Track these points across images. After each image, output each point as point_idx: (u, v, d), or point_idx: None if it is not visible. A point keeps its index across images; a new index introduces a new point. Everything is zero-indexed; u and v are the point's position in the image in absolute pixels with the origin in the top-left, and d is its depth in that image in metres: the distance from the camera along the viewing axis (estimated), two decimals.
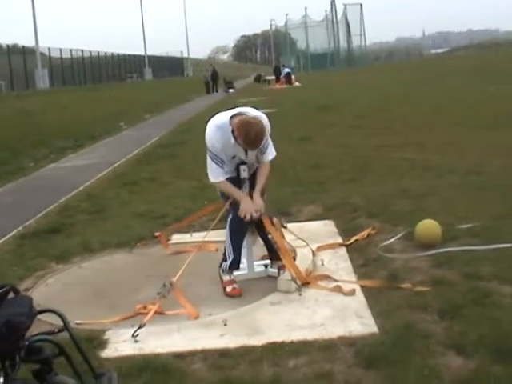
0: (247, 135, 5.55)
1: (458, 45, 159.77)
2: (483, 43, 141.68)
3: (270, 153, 6.05)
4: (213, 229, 6.53)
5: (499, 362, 4.09)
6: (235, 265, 6.08)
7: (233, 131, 5.68)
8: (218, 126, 5.78)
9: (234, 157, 5.89)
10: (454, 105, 21.69)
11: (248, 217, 5.84)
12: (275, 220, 6.22)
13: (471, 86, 30.33)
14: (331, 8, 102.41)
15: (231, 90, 54.17)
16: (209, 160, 5.89)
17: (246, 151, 5.85)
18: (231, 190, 5.92)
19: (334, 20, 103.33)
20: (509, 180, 9.17)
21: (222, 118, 5.83)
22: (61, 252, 7.60)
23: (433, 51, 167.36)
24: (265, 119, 5.84)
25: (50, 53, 55.66)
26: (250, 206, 5.84)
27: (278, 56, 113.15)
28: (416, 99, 25.35)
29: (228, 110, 5.94)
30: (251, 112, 5.86)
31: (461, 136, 14.24)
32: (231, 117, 5.75)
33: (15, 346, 3.31)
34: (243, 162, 5.96)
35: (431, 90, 29.68)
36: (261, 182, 6.00)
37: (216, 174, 5.88)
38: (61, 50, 57.37)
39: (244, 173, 5.98)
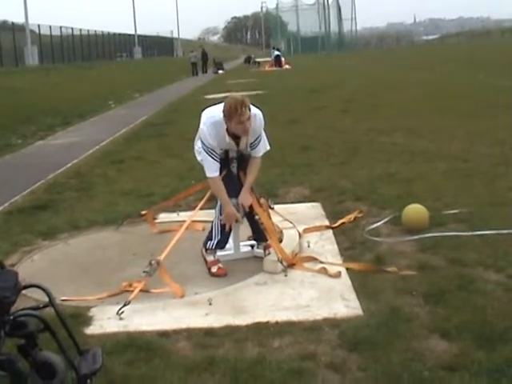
0: (228, 111, 5.56)
1: (448, 32, 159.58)
2: (474, 31, 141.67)
3: (263, 147, 6.05)
4: (200, 208, 6.53)
5: (482, 347, 4.12)
6: (221, 244, 6.10)
7: (227, 128, 5.70)
8: (213, 123, 5.75)
9: (226, 151, 5.93)
10: (443, 91, 21.71)
11: (228, 227, 5.95)
12: (262, 201, 6.22)
13: (461, 73, 30.38)
14: None
15: (220, 71, 54.05)
16: (204, 153, 5.83)
17: (237, 144, 5.85)
18: (220, 191, 5.90)
19: (326, 3, 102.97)
20: (495, 168, 9.23)
21: (216, 114, 5.79)
22: (47, 228, 7.59)
23: (424, 38, 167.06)
24: (259, 114, 5.83)
25: (39, 30, 55.11)
26: (233, 216, 5.90)
27: (269, 38, 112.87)
28: (405, 85, 25.35)
29: (221, 103, 5.95)
30: None
31: (449, 122, 14.26)
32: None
33: (0, 321, 3.31)
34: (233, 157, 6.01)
35: (420, 77, 29.69)
36: (250, 179, 6.01)
37: (212, 168, 5.84)
38: (50, 27, 56.80)
39: (233, 169, 6.04)
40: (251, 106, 5.78)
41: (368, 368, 3.98)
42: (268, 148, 6.14)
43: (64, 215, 8.21)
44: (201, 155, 6.00)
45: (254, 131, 5.83)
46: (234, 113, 5.57)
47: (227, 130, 5.71)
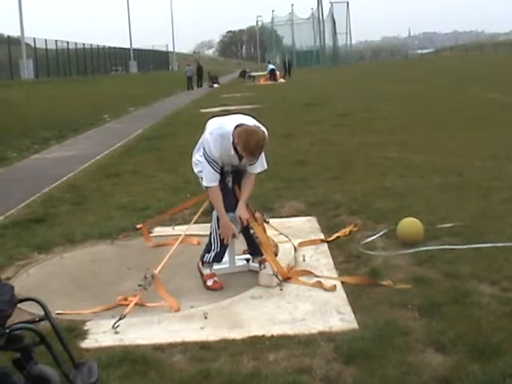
0: (247, 142, 5.56)
1: (443, 46, 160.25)
2: (468, 45, 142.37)
3: (260, 165, 6.05)
4: (195, 222, 6.54)
5: (477, 360, 4.12)
6: (219, 258, 6.09)
7: (233, 142, 5.70)
8: (220, 135, 5.74)
9: (227, 164, 5.94)
10: (437, 105, 21.80)
11: (225, 241, 5.96)
12: (258, 215, 6.23)
13: (455, 86, 30.48)
14: (318, 6, 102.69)
15: (216, 85, 54.17)
16: (205, 163, 5.82)
17: (240, 159, 5.86)
18: (218, 202, 5.89)
19: (321, 18, 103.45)
20: (489, 182, 9.24)
21: (225, 126, 5.80)
22: (43, 242, 7.59)
23: (418, 51, 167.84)
24: (266, 134, 5.81)
25: (35, 43, 55.16)
26: (229, 230, 5.92)
27: (264, 52, 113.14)
28: (399, 99, 25.45)
29: (227, 115, 5.97)
30: (251, 122, 5.86)
31: (443, 136, 14.33)
32: (235, 127, 5.73)
33: None
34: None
35: (415, 90, 29.80)
36: (246, 194, 6.02)
37: (211, 178, 5.84)
38: (46, 40, 56.87)
39: (229, 183, 6.06)
40: (255, 121, 5.83)
41: (363, 381, 3.99)
42: (265, 167, 6.13)
43: (59, 229, 8.21)
44: (198, 166, 6.02)
45: None
46: (253, 148, 5.60)
47: (233, 143, 5.71)
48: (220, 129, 5.81)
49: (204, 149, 5.83)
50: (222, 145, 5.73)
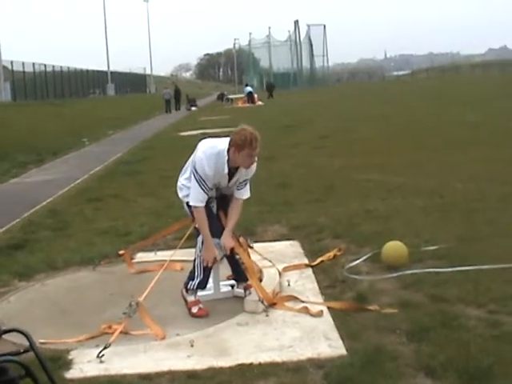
0: (243, 137, 5.65)
1: (419, 67, 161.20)
2: (444, 66, 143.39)
3: (246, 192, 6.07)
4: (179, 247, 6.48)
5: None
6: (203, 284, 6.04)
7: (228, 159, 5.71)
8: (213, 154, 5.75)
9: (215, 185, 5.92)
10: (414, 126, 21.88)
11: (209, 264, 5.92)
12: (242, 240, 6.19)
13: (431, 108, 30.66)
14: (295, 28, 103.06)
15: (194, 108, 54.18)
16: (194, 182, 5.79)
17: (229, 179, 5.86)
18: (203, 223, 5.86)
19: (298, 40, 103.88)
20: (471, 203, 9.26)
21: (219, 145, 5.82)
22: (24, 269, 7.50)
23: (394, 73, 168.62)
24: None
25: (12, 66, 54.94)
26: (212, 253, 5.88)
27: (241, 75, 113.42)
28: (377, 120, 25.52)
29: (219, 137, 5.98)
30: None
31: (422, 157, 14.36)
32: (229, 147, 5.75)
33: None
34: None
35: (392, 112, 29.93)
36: (232, 221, 6.01)
37: (198, 198, 5.81)
38: (23, 63, 56.71)
39: (213, 208, 6.05)
40: None
41: None
42: (249, 195, 6.14)
43: (40, 255, 8.12)
44: (183, 191, 6.00)
45: (251, 170, 5.94)
46: (249, 145, 5.66)
47: (228, 161, 5.71)
48: (213, 148, 5.82)
49: (195, 168, 5.79)
50: (217, 163, 5.73)
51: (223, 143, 5.80)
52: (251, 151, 5.70)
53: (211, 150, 5.80)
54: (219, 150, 5.76)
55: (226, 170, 5.75)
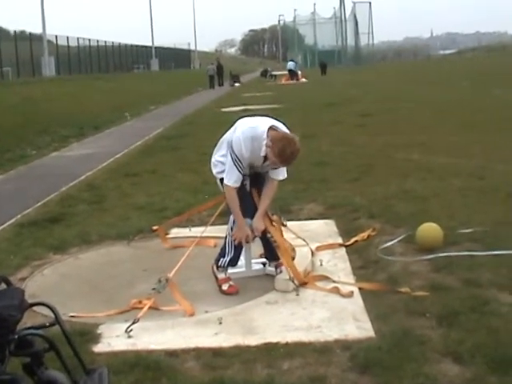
0: (283, 150, 5.48)
1: (465, 47, 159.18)
2: (491, 46, 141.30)
3: (282, 172, 5.96)
4: (212, 224, 6.47)
5: (495, 372, 4.03)
6: (234, 262, 6.03)
7: (266, 144, 5.60)
8: (252, 136, 5.63)
9: (250, 165, 5.84)
10: (460, 107, 21.59)
11: (237, 242, 5.90)
12: (275, 218, 6.16)
13: (478, 88, 30.22)
14: (340, 5, 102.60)
15: (237, 84, 54.20)
16: (230, 162, 5.72)
17: (264, 160, 5.75)
18: (234, 203, 5.81)
19: (343, 17, 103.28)
20: (510, 186, 9.08)
21: (258, 127, 5.70)
22: (59, 242, 7.56)
23: (440, 52, 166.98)
24: (298, 141, 5.69)
25: (57, 41, 55.35)
26: (244, 233, 5.85)
27: (286, 51, 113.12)
28: (422, 100, 25.24)
29: (256, 115, 5.92)
30: (283, 128, 5.81)
31: (465, 138, 14.15)
32: (268, 129, 5.65)
33: (4, 340, 3.26)
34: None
35: (437, 91, 29.59)
36: (266, 203, 5.94)
37: (232, 178, 5.74)
38: (68, 38, 57.07)
39: (246, 186, 5.97)
40: (285, 128, 5.76)
41: None
42: (286, 176, 6.03)
43: (76, 229, 8.18)
44: (217, 167, 5.95)
45: None
46: (283, 160, 5.57)
47: (265, 145, 5.60)
48: (253, 129, 5.70)
49: (232, 148, 5.71)
50: (254, 144, 5.63)
51: (263, 125, 5.69)
52: (285, 162, 5.64)
53: (250, 131, 5.69)
54: (258, 133, 5.65)
55: (264, 153, 5.66)
